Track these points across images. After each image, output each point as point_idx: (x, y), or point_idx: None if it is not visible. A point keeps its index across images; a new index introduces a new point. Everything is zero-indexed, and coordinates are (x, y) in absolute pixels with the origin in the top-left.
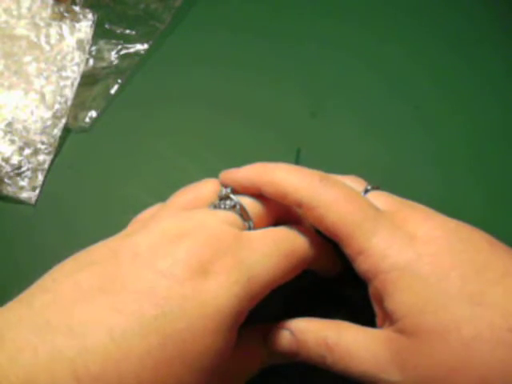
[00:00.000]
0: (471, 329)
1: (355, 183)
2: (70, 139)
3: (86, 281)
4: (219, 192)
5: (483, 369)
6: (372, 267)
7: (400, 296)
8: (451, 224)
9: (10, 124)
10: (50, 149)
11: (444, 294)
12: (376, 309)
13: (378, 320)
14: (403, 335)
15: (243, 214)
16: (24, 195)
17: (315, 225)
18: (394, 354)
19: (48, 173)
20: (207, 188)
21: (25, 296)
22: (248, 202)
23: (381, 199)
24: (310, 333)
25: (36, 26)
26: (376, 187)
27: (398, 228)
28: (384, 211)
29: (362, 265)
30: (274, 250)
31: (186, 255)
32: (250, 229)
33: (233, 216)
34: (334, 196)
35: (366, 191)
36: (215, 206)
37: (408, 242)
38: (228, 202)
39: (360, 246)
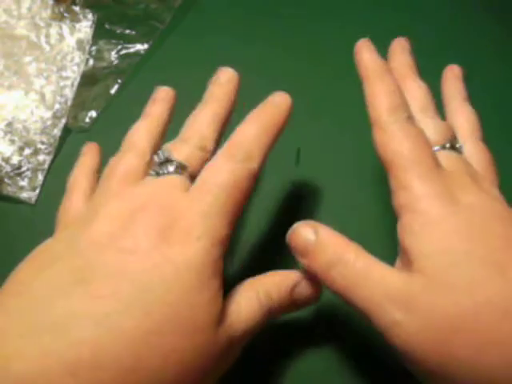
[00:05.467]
0: (485, 293)
1: (441, 131)
2: (70, 139)
3: (57, 277)
4: (157, 157)
5: (486, 335)
6: (409, 204)
7: (424, 237)
8: (498, 206)
9: (10, 124)
10: (50, 149)
11: (467, 254)
12: (399, 249)
13: (398, 262)
14: (417, 275)
15: (185, 173)
16: (24, 195)
17: (375, 146)
18: (404, 292)
19: (48, 173)
20: (136, 153)
21: None
22: (186, 156)
23: (450, 162)
24: (331, 244)
25: (36, 26)
26: (455, 147)
27: (447, 189)
28: (444, 171)
29: (401, 198)
30: (219, 192)
31: (145, 229)
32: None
33: (176, 179)
34: (406, 133)
35: (444, 148)
36: (157, 174)
37: (449, 201)
38: (169, 167)
39: (407, 182)
